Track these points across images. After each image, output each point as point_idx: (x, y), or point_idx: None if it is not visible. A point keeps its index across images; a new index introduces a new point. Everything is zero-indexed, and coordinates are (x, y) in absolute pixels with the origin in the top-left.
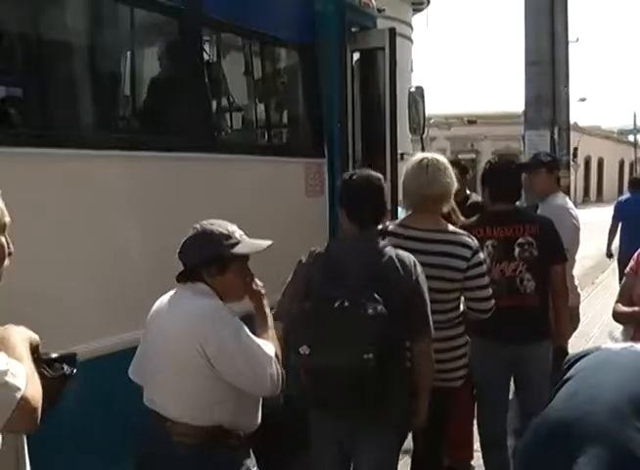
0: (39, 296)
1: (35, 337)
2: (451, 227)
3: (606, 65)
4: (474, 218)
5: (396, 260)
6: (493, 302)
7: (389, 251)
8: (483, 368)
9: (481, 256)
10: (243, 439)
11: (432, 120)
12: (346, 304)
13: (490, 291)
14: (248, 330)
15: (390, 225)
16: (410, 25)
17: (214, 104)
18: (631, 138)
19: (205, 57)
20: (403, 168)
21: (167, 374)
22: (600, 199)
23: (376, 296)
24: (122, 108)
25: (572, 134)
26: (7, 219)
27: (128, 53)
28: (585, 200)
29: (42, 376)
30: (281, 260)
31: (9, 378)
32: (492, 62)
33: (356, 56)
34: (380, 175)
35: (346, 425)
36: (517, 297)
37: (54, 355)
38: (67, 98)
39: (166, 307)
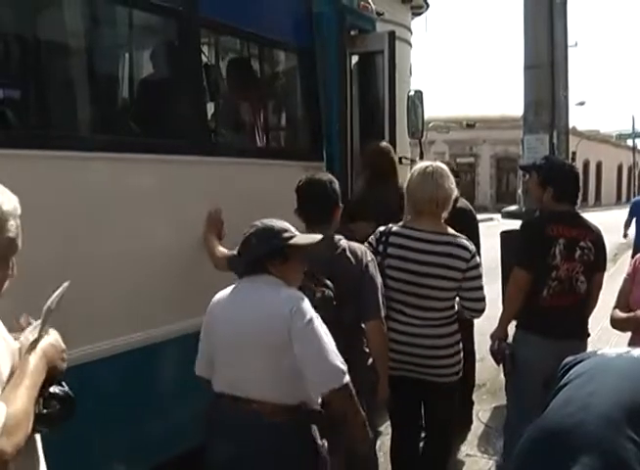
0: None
1: (58, 363)
2: (451, 230)
3: (604, 69)
4: (540, 216)
5: (348, 251)
6: (486, 303)
7: (343, 243)
8: (532, 363)
9: (478, 259)
10: (322, 415)
11: (430, 124)
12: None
13: (484, 292)
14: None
15: (394, 227)
16: (409, 29)
17: (212, 107)
18: (630, 142)
19: (203, 59)
20: (405, 174)
21: (253, 358)
22: (598, 203)
23: (327, 281)
24: (119, 110)
25: (571, 138)
26: (19, 242)
27: (125, 55)
28: (583, 204)
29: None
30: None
31: None
32: (491, 66)
33: (355, 59)
34: (328, 177)
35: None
36: (572, 296)
37: (55, 391)
38: (65, 100)
39: (240, 300)
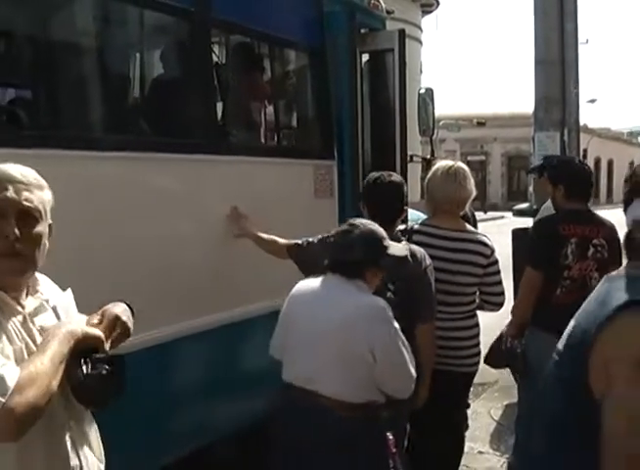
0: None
1: (94, 332)
2: (470, 227)
3: (615, 66)
4: (552, 215)
5: (409, 254)
6: (505, 296)
7: (404, 245)
8: (544, 361)
9: (496, 255)
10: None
11: (441, 122)
12: None
13: (503, 287)
14: None
15: (416, 225)
16: (419, 27)
17: (224, 106)
18: None
19: (215, 59)
20: (416, 172)
21: (328, 356)
22: (610, 200)
23: (388, 285)
24: (131, 109)
25: (582, 136)
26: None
27: (137, 55)
28: (595, 201)
29: (75, 377)
30: (289, 262)
31: None
32: (501, 63)
33: (365, 57)
34: (401, 179)
35: None
36: (586, 294)
37: (98, 356)
38: (76, 99)
39: (326, 298)
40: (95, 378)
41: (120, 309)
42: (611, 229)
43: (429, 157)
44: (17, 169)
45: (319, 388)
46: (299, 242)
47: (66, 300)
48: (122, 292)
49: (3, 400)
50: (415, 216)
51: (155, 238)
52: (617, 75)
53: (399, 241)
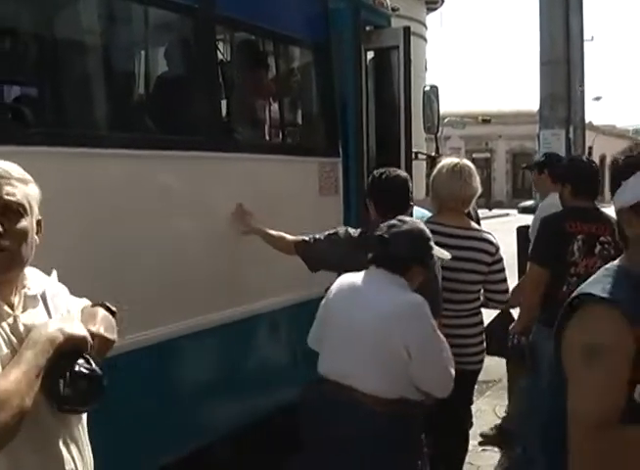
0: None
1: (77, 333)
2: (474, 225)
3: (621, 64)
4: (559, 211)
5: None
6: (509, 294)
7: None
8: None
9: (501, 253)
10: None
11: (446, 120)
12: None
13: (508, 285)
14: None
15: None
16: (424, 24)
17: (228, 103)
18: None
19: (219, 56)
20: (421, 169)
21: (364, 352)
22: None
23: None
24: (136, 107)
25: (587, 133)
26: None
27: (142, 52)
28: (600, 199)
29: (53, 391)
30: (294, 259)
31: None
32: (506, 60)
33: (370, 55)
34: (406, 174)
35: None
36: None
37: (77, 370)
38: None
39: (365, 291)
40: (74, 393)
41: (100, 321)
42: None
43: (433, 154)
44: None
45: (354, 382)
46: (307, 238)
47: (54, 288)
48: (122, 291)
49: None
50: (420, 214)
51: (158, 236)
52: (623, 73)
53: None
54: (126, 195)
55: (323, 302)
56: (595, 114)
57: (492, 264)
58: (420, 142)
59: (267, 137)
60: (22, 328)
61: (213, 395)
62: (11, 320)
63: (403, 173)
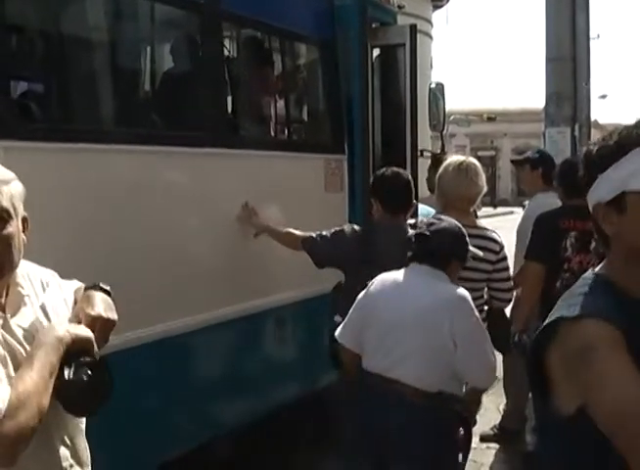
0: None
1: (82, 333)
2: (479, 223)
3: (627, 62)
4: (554, 209)
5: None
6: (514, 292)
7: None
8: None
9: (505, 251)
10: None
11: (451, 117)
12: None
13: (512, 283)
14: None
15: (425, 220)
16: (430, 22)
17: (234, 100)
18: None
19: (225, 52)
20: (426, 167)
21: (413, 346)
22: None
23: None
24: (142, 103)
25: (593, 131)
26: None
27: (147, 48)
28: None
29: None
30: (300, 255)
31: None
32: (512, 58)
33: (376, 52)
34: (408, 174)
35: None
36: None
37: (82, 359)
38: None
39: (410, 286)
40: (76, 384)
41: (98, 304)
42: None
43: (438, 153)
44: None
45: (400, 376)
46: (313, 235)
47: (45, 277)
48: (122, 287)
49: None
50: (425, 211)
51: (163, 231)
52: (629, 71)
53: (407, 234)
54: (131, 190)
55: (361, 300)
56: (601, 112)
57: (497, 263)
58: (425, 139)
59: (273, 134)
60: (15, 329)
61: (227, 389)
62: (1, 321)
63: (405, 173)
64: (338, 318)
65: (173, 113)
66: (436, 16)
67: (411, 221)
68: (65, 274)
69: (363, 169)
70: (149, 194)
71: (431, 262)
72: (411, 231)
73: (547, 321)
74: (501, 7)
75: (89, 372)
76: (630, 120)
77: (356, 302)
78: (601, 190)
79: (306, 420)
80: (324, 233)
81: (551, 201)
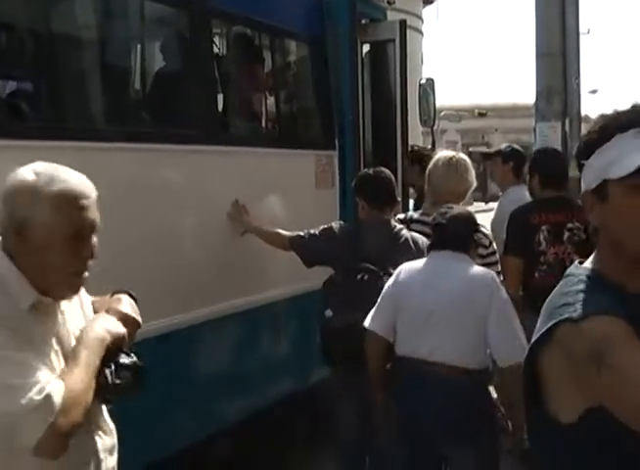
0: None
1: (119, 331)
2: (477, 215)
3: (617, 56)
4: (526, 204)
5: (411, 241)
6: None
7: (405, 233)
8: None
9: (495, 245)
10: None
11: (442, 113)
12: (366, 277)
13: (502, 277)
14: None
15: (415, 214)
16: (420, 18)
17: (224, 96)
18: None
19: (214, 49)
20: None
21: (449, 328)
22: None
23: (391, 271)
24: (132, 100)
25: (584, 127)
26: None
27: (137, 45)
28: None
29: (99, 383)
30: (290, 252)
31: (42, 403)
32: (502, 54)
33: (366, 48)
34: (390, 173)
35: (362, 382)
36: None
37: (122, 362)
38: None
39: (440, 271)
40: (119, 387)
41: (127, 305)
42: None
43: (418, 148)
44: (81, 181)
45: (438, 357)
46: (301, 234)
47: None
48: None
49: (51, 420)
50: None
51: (152, 228)
52: (619, 66)
53: (395, 229)
54: (122, 188)
55: (388, 289)
56: (591, 107)
57: (486, 257)
58: (416, 135)
59: (263, 130)
60: (68, 327)
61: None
62: (61, 320)
63: (387, 170)
64: (328, 313)
65: (163, 110)
66: (427, 11)
67: (400, 216)
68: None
69: (354, 165)
70: (139, 191)
71: (452, 247)
72: (398, 225)
73: (547, 326)
74: (491, 2)
75: (128, 375)
76: None
77: (385, 290)
78: (586, 178)
79: (299, 417)
80: (312, 231)
81: (522, 195)
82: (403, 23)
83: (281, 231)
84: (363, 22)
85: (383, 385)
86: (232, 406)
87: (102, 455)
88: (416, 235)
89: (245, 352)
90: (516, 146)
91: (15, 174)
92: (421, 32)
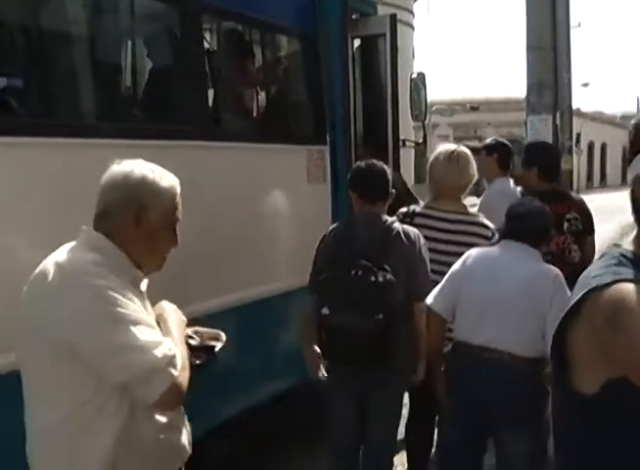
0: None
1: (185, 319)
2: (471, 210)
3: (608, 50)
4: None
5: (402, 234)
6: None
7: (397, 226)
8: None
9: (497, 236)
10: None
11: (434, 107)
12: (360, 273)
13: None
14: None
15: (417, 208)
16: (411, 12)
17: (216, 92)
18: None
19: (206, 44)
20: (409, 157)
21: (514, 316)
22: (603, 184)
23: (385, 266)
24: (123, 96)
25: (575, 120)
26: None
27: (128, 41)
28: (588, 185)
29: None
30: (284, 246)
31: (168, 364)
32: (494, 47)
33: (357, 43)
34: (384, 165)
35: (360, 380)
36: (566, 267)
37: (194, 343)
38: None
39: (509, 262)
40: (197, 365)
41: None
42: (581, 204)
43: (421, 141)
44: (175, 179)
45: (500, 345)
46: (309, 275)
47: None
48: None
49: (176, 374)
50: None
51: None
52: (610, 59)
53: (387, 222)
54: None
55: (455, 270)
56: (583, 100)
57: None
58: (408, 129)
59: (255, 125)
60: (147, 303)
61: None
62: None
63: (380, 162)
64: (325, 311)
65: (154, 106)
66: (418, 6)
67: (403, 209)
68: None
69: (345, 160)
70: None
71: (527, 241)
72: (390, 219)
73: (574, 301)
74: None
75: (203, 356)
76: (612, 108)
77: (450, 273)
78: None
79: (299, 413)
80: (313, 261)
81: (506, 186)
82: (394, 18)
83: (307, 316)
84: (354, 16)
85: (440, 366)
86: (228, 402)
87: (187, 422)
88: (407, 228)
89: (242, 347)
90: (500, 138)
91: (124, 166)
92: (412, 27)
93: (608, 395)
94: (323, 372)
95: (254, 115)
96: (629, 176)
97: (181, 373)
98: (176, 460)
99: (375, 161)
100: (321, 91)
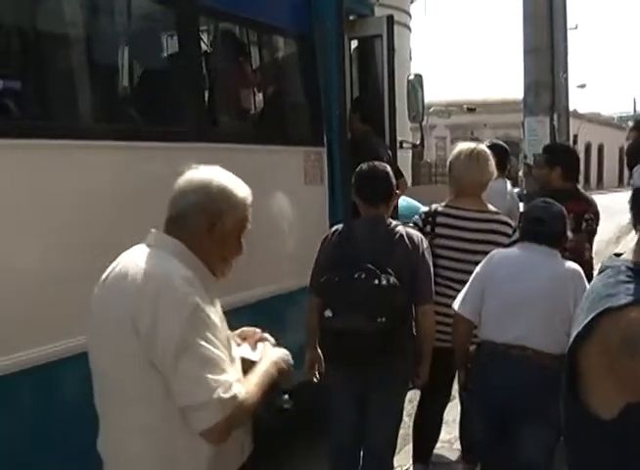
0: None
1: (285, 368)
2: (491, 207)
3: (605, 51)
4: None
5: (406, 237)
6: None
7: (400, 229)
8: None
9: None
10: None
11: (431, 109)
12: (364, 276)
13: None
14: None
15: (439, 207)
16: (408, 13)
17: (212, 93)
18: (631, 124)
19: (203, 46)
20: (407, 159)
21: (539, 315)
22: (600, 186)
23: (389, 269)
24: (119, 98)
25: (572, 121)
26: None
27: (124, 43)
28: (585, 187)
29: (274, 405)
30: (281, 248)
31: (226, 401)
32: (491, 49)
33: (354, 44)
34: (386, 164)
35: (361, 380)
36: (582, 263)
37: (278, 401)
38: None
39: (534, 263)
40: (287, 411)
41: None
42: (595, 204)
43: (418, 143)
44: (248, 190)
45: (527, 343)
46: (311, 276)
47: None
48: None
49: (223, 416)
50: (405, 203)
51: (141, 226)
52: (607, 60)
53: (390, 225)
54: (110, 186)
55: (479, 273)
56: (580, 101)
57: (509, 246)
58: (405, 131)
59: (252, 127)
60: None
61: None
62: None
63: (382, 164)
64: (328, 313)
65: (151, 107)
66: (415, 7)
67: (424, 209)
68: (51, 270)
69: (342, 161)
70: (127, 189)
71: (548, 244)
72: (394, 222)
73: (588, 318)
74: None
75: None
76: (609, 109)
77: (474, 275)
78: None
79: (299, 410)
80: (315, 262)
81: (503, 186)
82: (390, 19)
83: (312, 316)
84: (351, 17)
85: (465, 365)
86: None
87: (246, 444)
88: (411, 230)
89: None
90: (496, 140)
91: (203, 172)
92: (409, 28)
93: (627, 419)
94: (317, 376)
95: (251, 116)
96: (636, 180)
97: (231, 418)
98: (241, 457)
99: (377, 162)
100: (318, 92)
